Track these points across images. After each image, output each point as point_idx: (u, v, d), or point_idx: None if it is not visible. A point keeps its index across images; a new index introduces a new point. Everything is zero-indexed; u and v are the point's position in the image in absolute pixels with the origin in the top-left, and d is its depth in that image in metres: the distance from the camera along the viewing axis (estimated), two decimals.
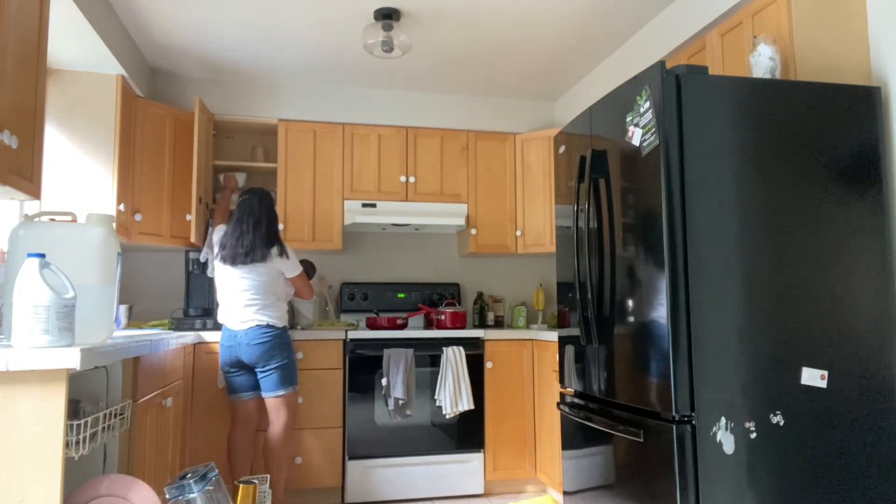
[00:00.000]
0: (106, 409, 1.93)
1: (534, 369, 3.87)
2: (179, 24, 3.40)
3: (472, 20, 3.36)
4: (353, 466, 3.61)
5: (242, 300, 3.19)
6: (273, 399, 3.20)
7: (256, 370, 3.21)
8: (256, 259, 3.17)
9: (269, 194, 3.35)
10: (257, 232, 3.20)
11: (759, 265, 2.02)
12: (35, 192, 2.11)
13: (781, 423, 1.97)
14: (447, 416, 3.65)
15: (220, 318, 3.27)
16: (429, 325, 4.15)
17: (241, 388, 3.26)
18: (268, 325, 3.18)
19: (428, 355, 3.75)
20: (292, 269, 3.30)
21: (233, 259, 3.18)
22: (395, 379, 3.59)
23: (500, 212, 4.32)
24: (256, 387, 3.26)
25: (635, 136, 2.13)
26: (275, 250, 3.22)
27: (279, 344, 3.20)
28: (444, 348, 3.72)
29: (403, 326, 3.96)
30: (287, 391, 3.21)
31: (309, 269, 3.70)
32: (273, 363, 3.18)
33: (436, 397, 3.66)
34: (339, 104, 4.26)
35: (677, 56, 2.97)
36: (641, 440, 2.06)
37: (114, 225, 2.08)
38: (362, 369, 3.66)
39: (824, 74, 2.28)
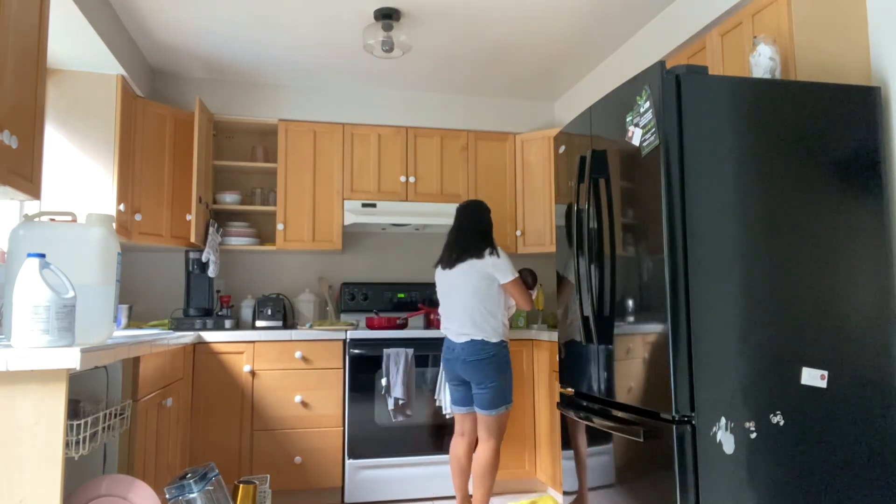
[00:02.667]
0: (106, 409, 1.93)
1: (534, 369, 3.87)
2: (179, 24, 3.40)
3: (472, 20, 3.36)
4: (353, 466, 3.61)
5: (458, 310, 3.10)
6: (485, 417, 3.06)
7: (472, 385, 3.10)
8: (466, 259, 3.09)
9: (480, 204, 3.25)
10: (469, 235, 3.14)
11: (758, 265, 2.02)
12: (35, 192, 2.11)
13: (781, 423, 1.97)
14: (447, 416, 3.64)
15: (443, 329, 3.21)
16: (428, 324, 4.14)
17: (458, 401, 3.20)
18: (483, 341, 3.04)
19: (428, 355, 3.75)
20: (504, 272, 3.06)
21: (448, 262, 3.15)
22: (395, 379, 3.59)
23: (500, 212, 4.32)
24: (472, 401, 3.17)
25: (635, 136, 2.13)
26: (487, 250, 3.07)
27: (495, 363, 3.03)
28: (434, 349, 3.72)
29: (403, 326, 3.96)
30: (500, 411, 3.06)
31: (527, 277, 3.30)
32: (489, 382, 3.04)
33: (436, 397, 3.65)
34: (339, 104, 4.26)
35: (677, 56, 2.97)
36: (641, 440, 2.06)
37: (114, 225, 2.08)
38: (362, 369, 3.66)
39: (824, 74, 2.28)
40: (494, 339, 3.05)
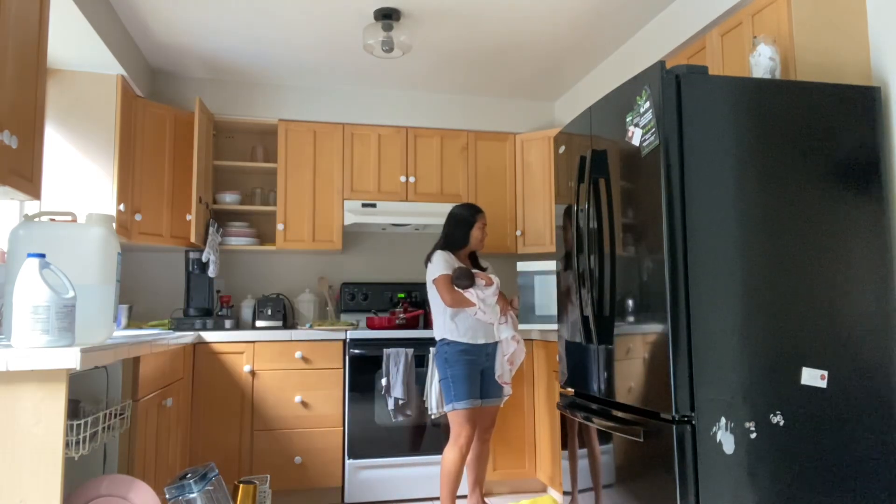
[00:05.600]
0: (106, 409, 1.93)
1: (534, 369, 3.87)
2: (179, 24, 3.40)
3: (472, 20, 3.36)
4: (353, 466, 3.61)
5: None
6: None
7: None
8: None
9: (451, 212, 3.38)
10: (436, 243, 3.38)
11: (758, 265, 2.01)
12: (35, 192, 2.11)
13: (781, 423, 1.97)
14: (433, 417, 3.60)
15: None
16: (427, 324, 4.14)
17: None
18: (434, 339, 3.32)
19: (428, 355, 3.74)
20: (430, 276, 3.23)
21: None
22: (395, 379, 3.59)
23: (500, 212, 4.32)
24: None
25: (635, 136, 2.13)
26: (429, 260, 3.29)
27: (437, 360, 3.25)
28: (431, 348, 3.70)
29: (403, 326, 3.96)
30: (446, 409, 3.18)
31: (459, 276, 3.21)
32: (438, 377, 3.27)
33: (424, 398, 3.63)
34: (339, 104, 4.26)
35: (677, 56, 2.97)
36: (641, 440, 2.06)
37: (114, 225, 2.08)
38: (362, 369, 3.66)
39: (824, 74, 2.28)
40: (437, 337, 3.28)
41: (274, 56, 3.80)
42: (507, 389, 3.33)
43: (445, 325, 3.22)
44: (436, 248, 3.32)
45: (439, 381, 3.25)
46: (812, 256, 2.05)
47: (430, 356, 3.55)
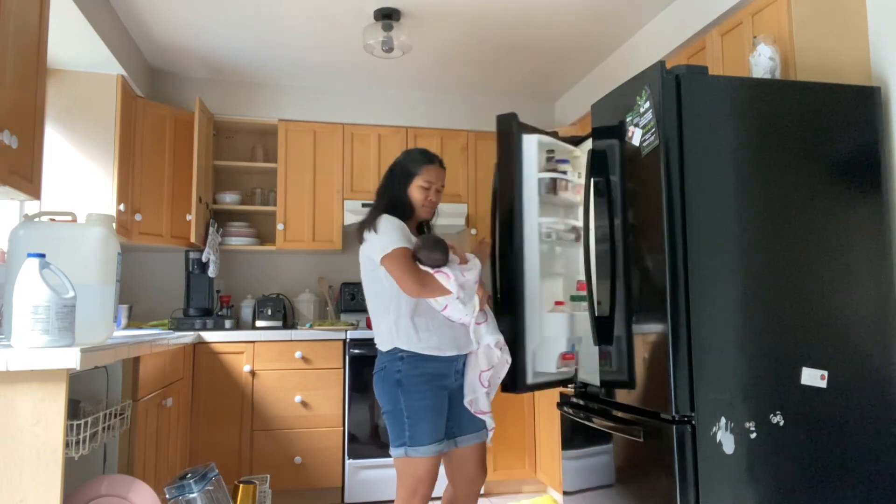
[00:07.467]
0: (106, 409, 1.93)
1: None
2: (179, 24, 3.40)
3: (472, 20, 3.36)
4: (353, 466, 3.61)
5: None
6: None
7: None
8: (361, 240, 2.22)
9: (397, 160, 2.32)
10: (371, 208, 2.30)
11: (759, 265, 2.01)
12: (35, 192, 2.11)
13: (781, 423, 1.97)
14: None
15: None
16: None
17: None
18: (379, 351, 2.22)
19: None
20: (379, 248, 2.10)
21: None
22: None
23: None
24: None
25: (635, 136, 2.13)
26: (367, 227, 2.18)
27: (380, 382, 2.17)
28: None
29: None
30: (398, 453, 2.13)
31: (427, 247, 2.12)
32: (383, 408, 2.20)
33: None
34: (339, 104, 4.26)
35: (677, 56, 2.97)
36: (641, 440, 2.06)
37: (114, 225, 2.08)
38: (362, 369, 3.66)
39: (824, 74, 2.28)
40: (383, 346, 2.20)
41: (274, 56, 3.80)
42: (489, 422, 2.25)
43: (399, 326, 2.14)
44: (375, 210, 2.21)
45: (382, 413, 2.19)
46: (812, 256, 2.05)
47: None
